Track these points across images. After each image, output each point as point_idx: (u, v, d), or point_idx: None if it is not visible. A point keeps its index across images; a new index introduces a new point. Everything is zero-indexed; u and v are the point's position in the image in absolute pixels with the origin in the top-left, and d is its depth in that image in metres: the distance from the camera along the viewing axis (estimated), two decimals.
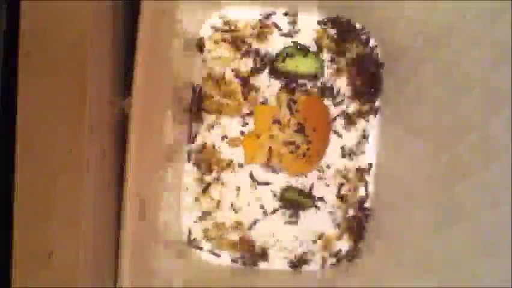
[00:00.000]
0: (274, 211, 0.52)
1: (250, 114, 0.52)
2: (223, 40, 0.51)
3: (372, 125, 0.53)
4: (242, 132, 0.51)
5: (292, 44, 0.52)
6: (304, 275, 0.51)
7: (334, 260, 0.52)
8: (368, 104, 0.52)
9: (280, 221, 0.52)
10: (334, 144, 0.52)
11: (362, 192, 0.52)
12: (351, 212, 0.52)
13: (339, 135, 0.52)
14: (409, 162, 0.47)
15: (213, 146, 0.51)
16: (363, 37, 0.52)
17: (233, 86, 0.51)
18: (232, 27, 0.51)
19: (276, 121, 0.52)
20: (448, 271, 0.39)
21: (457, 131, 0.41)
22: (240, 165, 0.51)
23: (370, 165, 0.52)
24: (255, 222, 0.51)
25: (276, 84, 0.52)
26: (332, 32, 0.52)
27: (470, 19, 0.39)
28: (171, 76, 0.44)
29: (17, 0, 0.31)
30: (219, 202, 0.51)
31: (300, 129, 0.52)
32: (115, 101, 0.36)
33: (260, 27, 0.52)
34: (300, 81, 0.52)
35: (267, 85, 0.52)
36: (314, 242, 0.52)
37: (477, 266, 0.37)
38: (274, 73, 0.52)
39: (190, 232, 0.51)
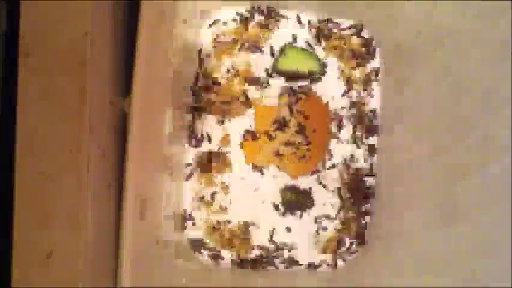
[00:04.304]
0: (275, 211, 0.52)
1: (251, 114, 0.51)
2: (224, 39, 0.51)
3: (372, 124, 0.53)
4: (242, 133, 0.51)
5: (292, 44, 0.52)
6: (304, 275, 0.51)
7: (334, 260, 0.52)
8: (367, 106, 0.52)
9: (281, 221, 0.52)
10: (334, 145, 0.52)
11: (361, 192, 0.52)
12: (351, 213, 0.52)
13: (339, 138, 0.52)
14: (409, 161, 0.48)
15: (213, 147, 0.51)
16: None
17: (233, 86, 0.51)
18: (233, 27, 0.51)
19: (277, 121, 0.52)
20: (447, 271, 0.39)
21: (457, 131, 0.41)
22: (240, 166, 0.51)
23: (370, 165, 0.52)
24: (255, 223, 0.51)
25: (277, 84, 0.52)
26: (329, 30, 0.52)
27: (470, 19, 0.39)
28: (171, 76, 0.44)
29: (17, 0, 0.31)
30: (219, 203, 0.51)
31: (301, 130, 0.52)
32: (115, 101, 0.36)
33: (260, 27, 0.52)
34: (301, 81, 0.52)
35: (268, 85, 0.52)
36: (314, 242, 0.52)
37: (477, 266, 0.37)
38: (275, 73, 0.52)
39: (190, 232, 0.51)
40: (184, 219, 0.51)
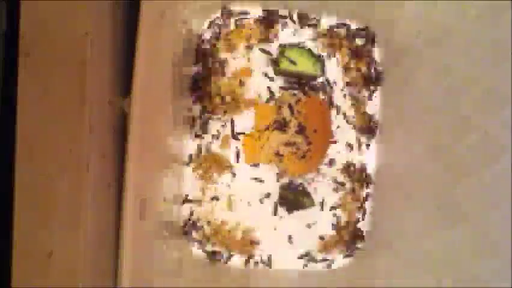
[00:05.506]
0: (274, 211, 0.52)
1: (251, 114, 0.51)
2: (224, 39, 0.51)
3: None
4: (243, 133, 0.51)
5: (293, 45, 0.52)
6: (303, 275, 0.51)
7: (334, 260, 0.52)
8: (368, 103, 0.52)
9: (280, 221, 0.52)
10: (334, 145, 0.52)
11: (362, 192, 0.52)
12: (351, 212, 0.52)
13: (339, 138, 0.52)
14: (409, 162, 0.48)
15: (213, 146, 0.51)
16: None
17: (234, 86, 0.51)
18: (233, 26, 0.51)
19: (277, 121, 0.52)
20: (448, 271, 0.39)
21: (457, 131, 0.41)
22: (240, 166, 0.51)
23: (370, 165, 0.52)
24: (255, 222, 0.51)
25: (278, 85, 0.52)
26: (329, 30, 0.52)
27: (470, 19, 0.39)
28: (171, 76, 0.44)
29: (17, 0, 0.31)
30: (219, 203, 0.51)
31: (301, 130, 0.52)
32: (115, 101, 0.36)
33: (261, 26, 0.52)
34: (302, 81, 0.52)
35: (268, 85, 0.52)
36: (313, 241, 0.52)
37: (477, 266, 0.37)
38: (276, 73, 0.52)
39: (189, 231, 0.51)
40: (183, 218, 0.51)
